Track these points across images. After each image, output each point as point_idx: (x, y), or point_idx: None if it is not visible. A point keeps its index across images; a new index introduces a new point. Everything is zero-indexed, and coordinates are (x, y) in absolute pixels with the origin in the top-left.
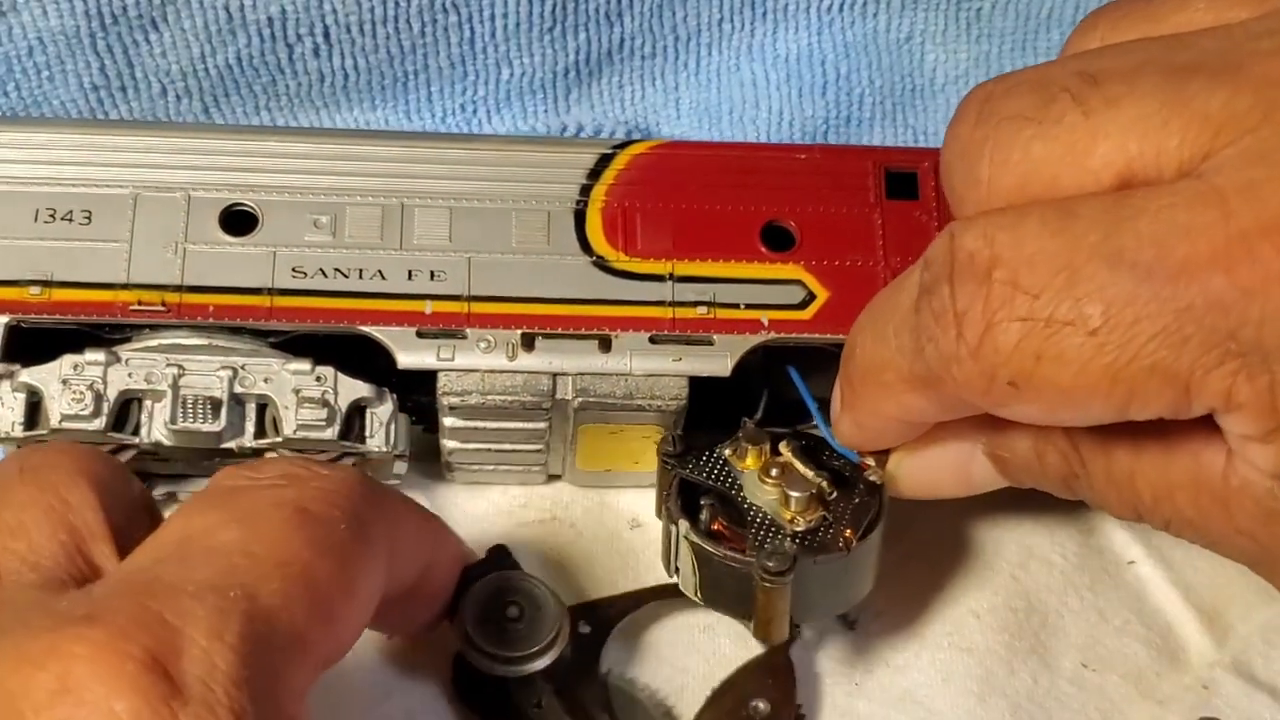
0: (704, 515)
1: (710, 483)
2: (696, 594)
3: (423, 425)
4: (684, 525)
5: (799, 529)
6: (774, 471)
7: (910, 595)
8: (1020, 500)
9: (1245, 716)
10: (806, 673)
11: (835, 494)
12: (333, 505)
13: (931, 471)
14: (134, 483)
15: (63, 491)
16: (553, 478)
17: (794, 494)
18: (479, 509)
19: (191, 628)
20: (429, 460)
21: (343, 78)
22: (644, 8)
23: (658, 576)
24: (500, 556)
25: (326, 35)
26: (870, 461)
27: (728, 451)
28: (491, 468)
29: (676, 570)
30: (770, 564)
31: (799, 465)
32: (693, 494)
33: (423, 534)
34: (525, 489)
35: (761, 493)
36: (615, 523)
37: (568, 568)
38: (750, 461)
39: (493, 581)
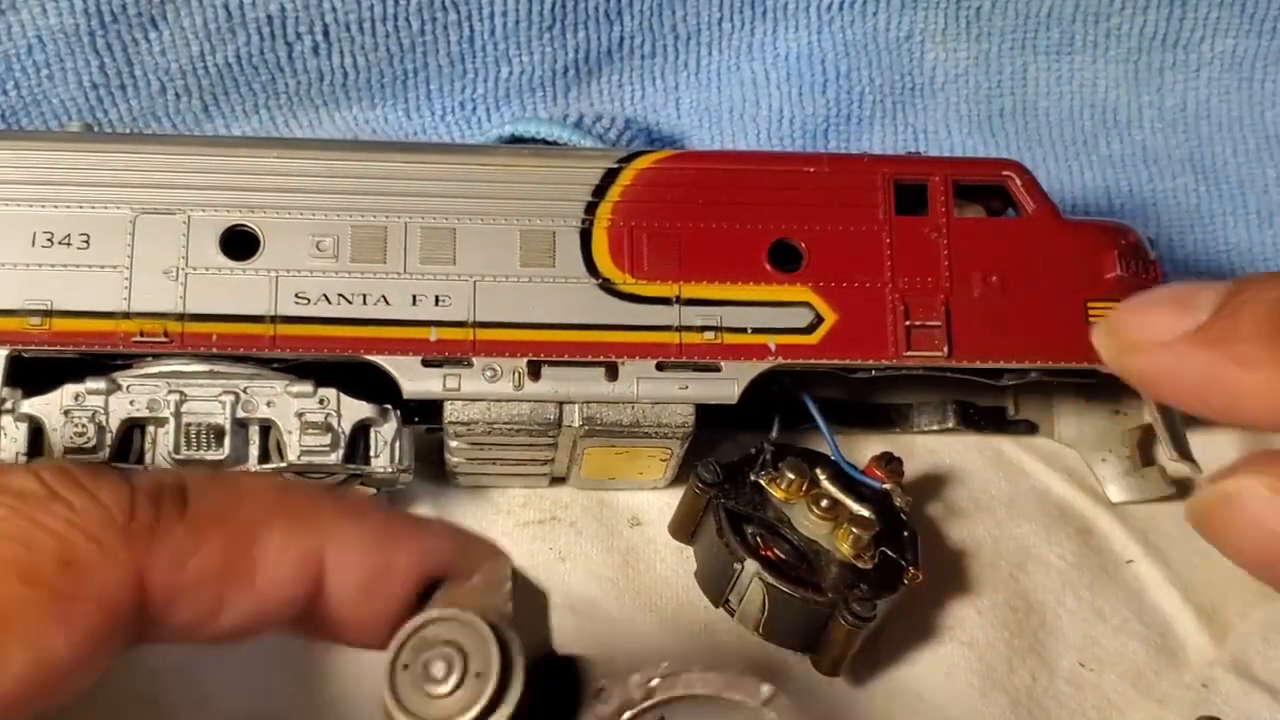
0: (752, 543)
1: (756, 513)
2: (758, 629)
3: (427, 426)
4: (754, 565)
5: (865, 567)
6: (824, 504)
7: (912, 591)
8: (1019, 501)
9: (1244, 715)
10: (809, 668)
11: (880, 527)
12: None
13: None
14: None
15: None
16: (556, 480)
17: (858, 532)
18: (479, 508)
19: None
20: (430, 461)
21: (342, 76)
22: (643, 7)
23: (658, 574)
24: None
25: (326, 33)
26: (895, 487)
27: (764, 480)
28: (496, 475)
29: (728, 602)
30: (859, 609)
31: (849, 502)
32: (733, 520)
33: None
34: (526, 490)
35: (814, 525)
36: (615, 521)
37: (568, 566)
38: (788, 490)
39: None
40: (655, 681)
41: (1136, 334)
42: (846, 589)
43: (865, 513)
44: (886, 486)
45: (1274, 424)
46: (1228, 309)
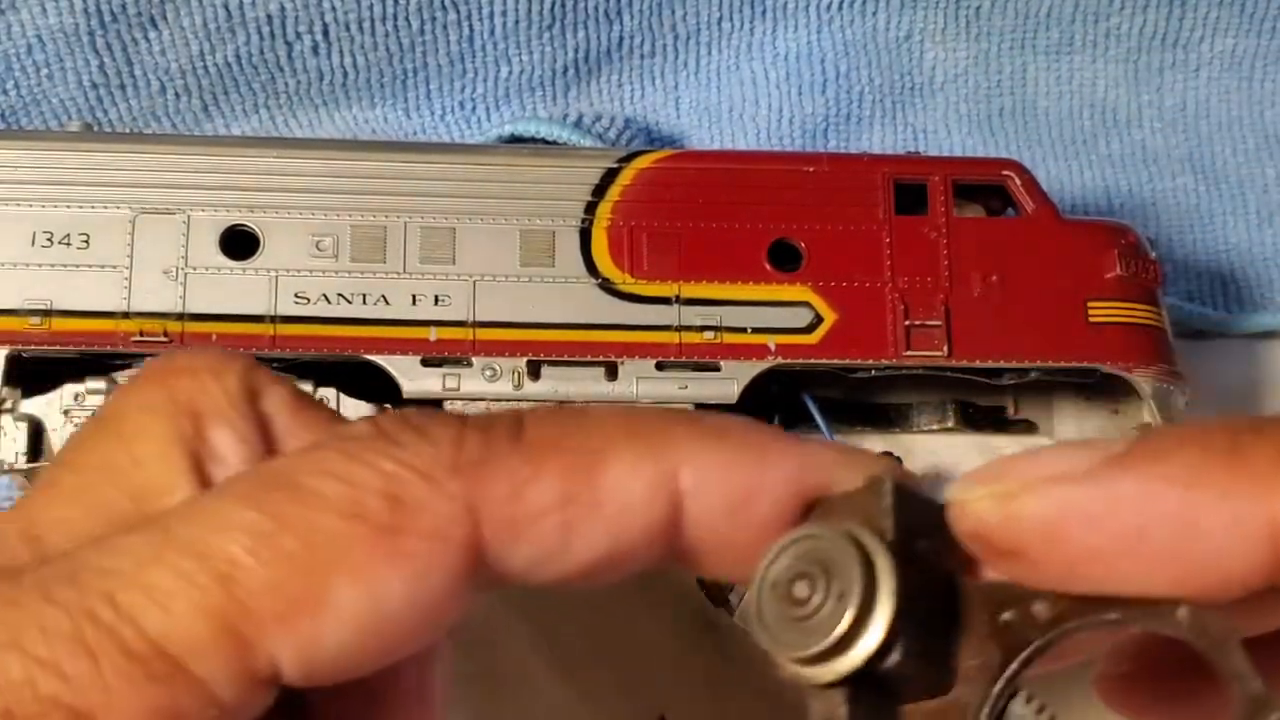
0: None
1: None
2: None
3: None
4: None
5: None
6: None
7: None
8: None
9: None
10: None
11: None
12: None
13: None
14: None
15: None
16: None
17: None
18: None
19: None
20: None
21: (342, 75)
22: (643, 6)
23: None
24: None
25: (325, 33)
26: None
27: None
28: None
29: (728, 602)
30: None
31: None
32: None
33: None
34: None
35: None
36: None
37: None
38: None
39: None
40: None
41: (1027, 473)
42: None
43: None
44: None
45: (1250, 578)
46: (1155, 437)
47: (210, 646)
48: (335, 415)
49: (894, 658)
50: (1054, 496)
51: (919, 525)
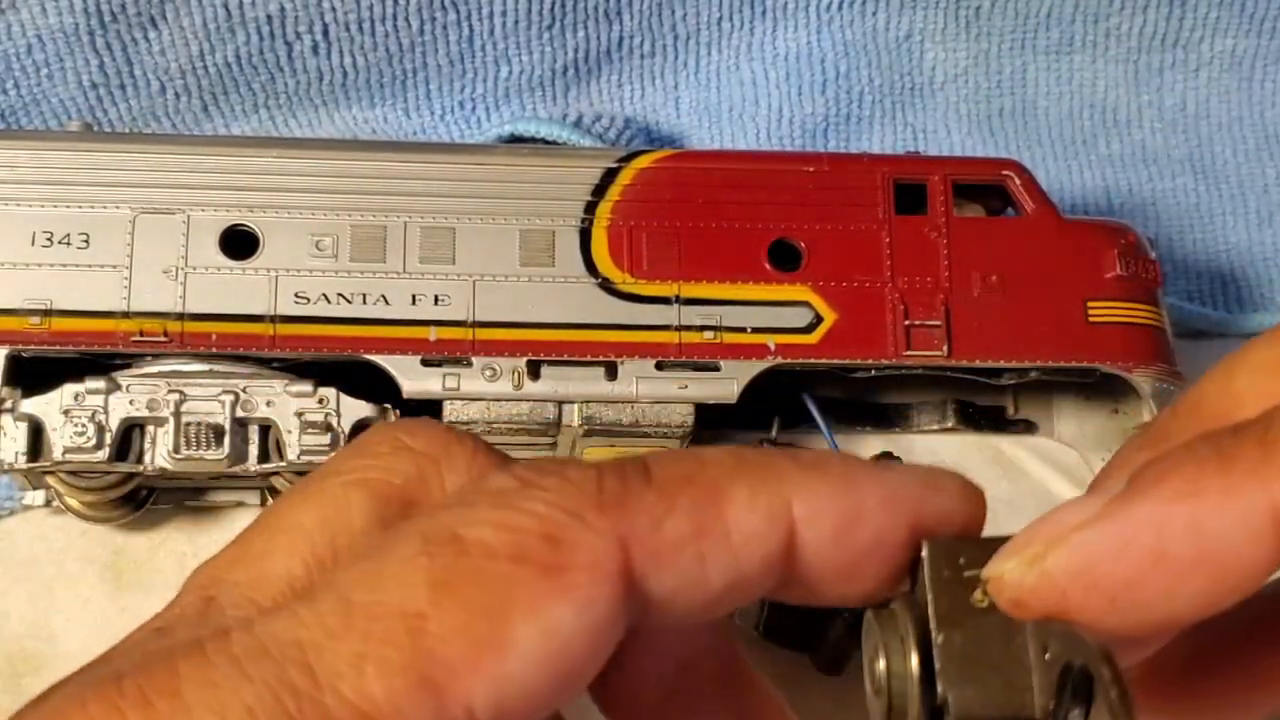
0: None
1: None
2: (758, 628)
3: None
4: None
5: None
6: None
7: None
8: (1019, 500)
9: None
10: (809, 668)
11: None
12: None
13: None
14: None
15: None
16: None
17: None
18: None
19: None
20: None
21: (341, 76)
22: (643, 6)
23: None
24: None
25: (325, 33)
26: None
27: None
28: None
29: None
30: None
31: None
32: None
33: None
34: None
35: None
36: None
37: None
38: None
39: None
40: None
41: (1046, 534)
42: None
43: None
44: None
45: (1269, 563)
46: (1148, 467)
47: (408, 699)
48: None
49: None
50: (1076, 544)
51: (968, 574)
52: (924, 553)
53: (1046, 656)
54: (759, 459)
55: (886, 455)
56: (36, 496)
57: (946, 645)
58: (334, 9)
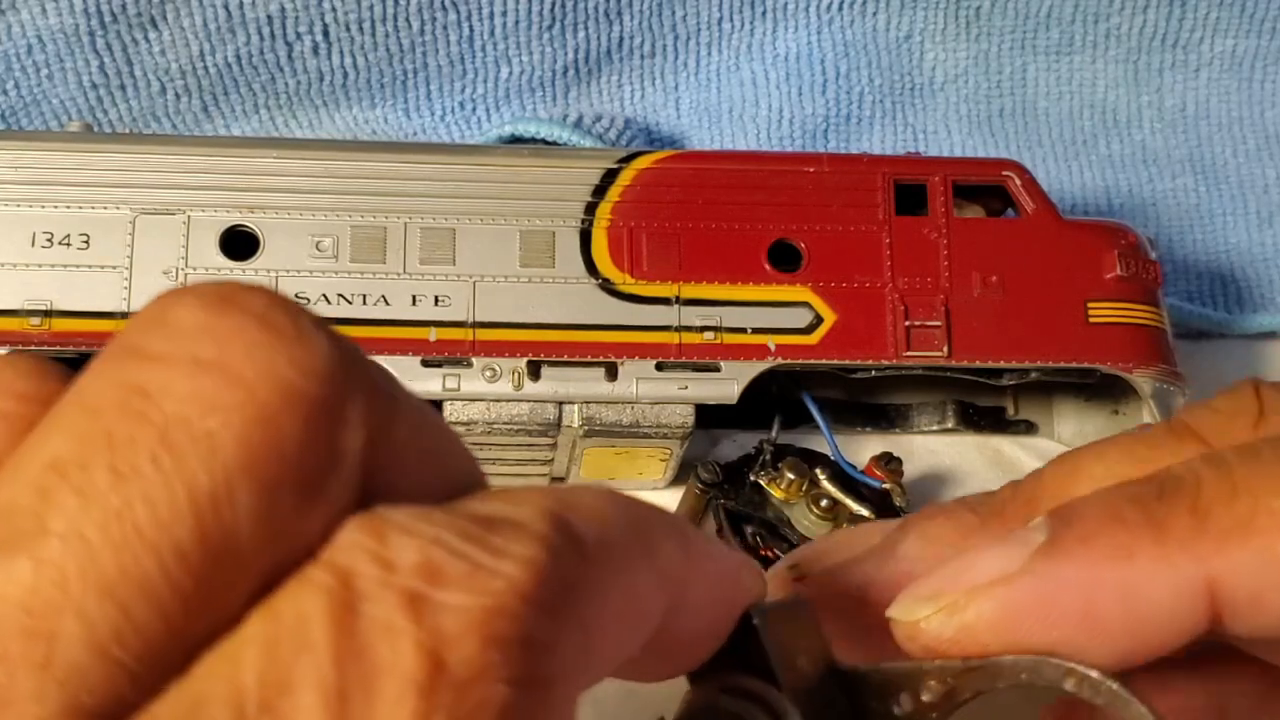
0: (751, 543)
1: (756, 513)
2: None
3: None
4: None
5: None
6: (824, 503)
7: None
8: None
9: None
10: None
11: None
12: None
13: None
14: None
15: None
16: (555, 481)
17: None
18: None
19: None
20: None
21: (342, 76)
22: (643, 6)
23: None
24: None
25: (326, 33)
26: (895, 487)
27: (764, 480)
28: (495, 476)
29: None
30: None
31: (849, 502)
32: (733, 520)
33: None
34: None
35: (813, 525)
36: None
37: None
38: (788, 490)
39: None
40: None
41: (964, 581)
42: None
43: (864, 512)
44: (886, 486)
45: (1194, 631)
46: (1069, 519)
47: None
48: None
49: None
50: (1000, 599)
51: (790, 647)
52: (755, 621)
53: (898, 712)
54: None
55: (886, 456)
56: None
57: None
58: (334, 9)
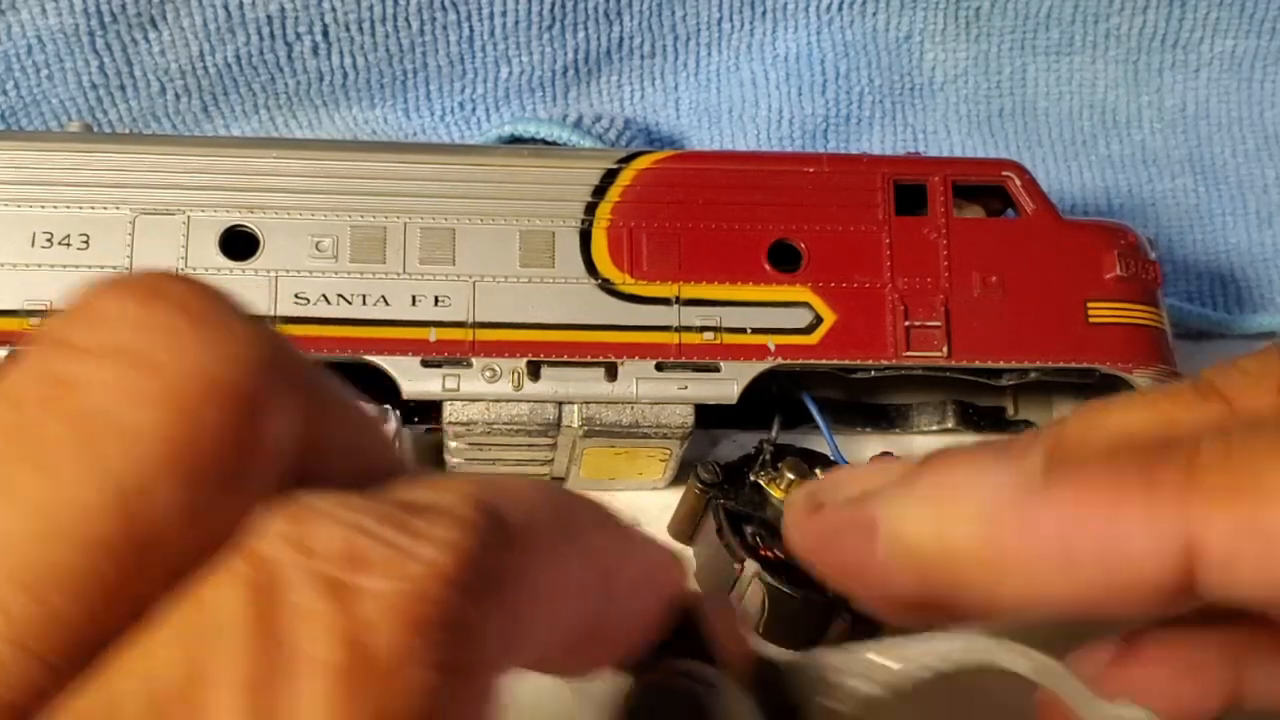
0: (751, 543)
1: (755, 513)
2: (758, 629)
3: (426, 427)
4: (754, 565)
5: None
6: None
7: None
8: None
9: None
10: None
11: None
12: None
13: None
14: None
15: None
16: (555, 480)
17: None
18: None
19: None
20: (430, 459)
21: (341, 76)
22: (643, 7)
23: None
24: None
25: (325, 34)
26: None
27: (763, 480)
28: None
29: None
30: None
31: None
32: (732, 520)
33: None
34: None
35: None
36: None
37: None
38: (788, 490)
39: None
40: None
41: (956, 495)
42: None
43: None
44: None
45: (1164, 588)
46: (1069, 463)
47: None
48: None
49: None
50: (985, 521)
51: (726, 638)
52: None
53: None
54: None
55: (886, 455)
56: None
57: None
58: (334, 10)
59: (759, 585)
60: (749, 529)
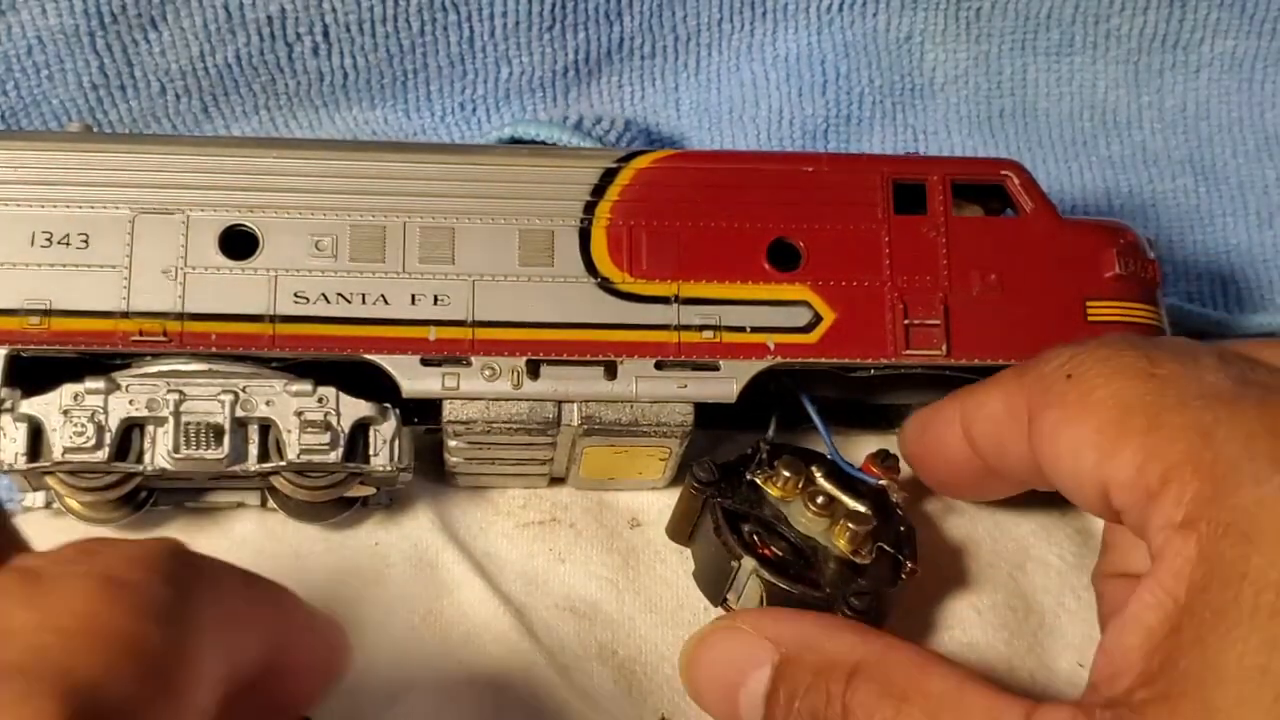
0: (749, 540)
1: (753, 511)
2: None
3: (426, 427)
4: (751, 562)
5: (863, 563)
6: (820, 500)
7: (913, 589)
8: (1018, 500)
9: None
10: None
11: (875, 522)
12: (143, 569)
13: None
14: None
15: None
16: (555, 480)
17: (855, 527)
18: (479, 509)
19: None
20: (429, 459)
21: (342, 77)
22: (644, 7)
23: (658, 575)
24: None
25: (326, 34)
26: (892, 483)
27: (760, 478)
28: (495, 475)
29: (724, 601)
30: (856, 603)
31: (845, 498)
32: (730, 519)
33: (259, 605)
34: (526, 490)
35: (810, 522)
36: (614, 522)
37: (568, 568)
38: (784, 489)
39: None
40: None
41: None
42: (844, 584)
43: (861, 508)
44: (883, 483)
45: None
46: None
47: None
48: None
49: None
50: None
51: None
52: None
53: None
54: None
55: (883, 453)
56: (37, 499)
57: None
58: (334, 10)
59: (757, 582)
60: (746, 527)
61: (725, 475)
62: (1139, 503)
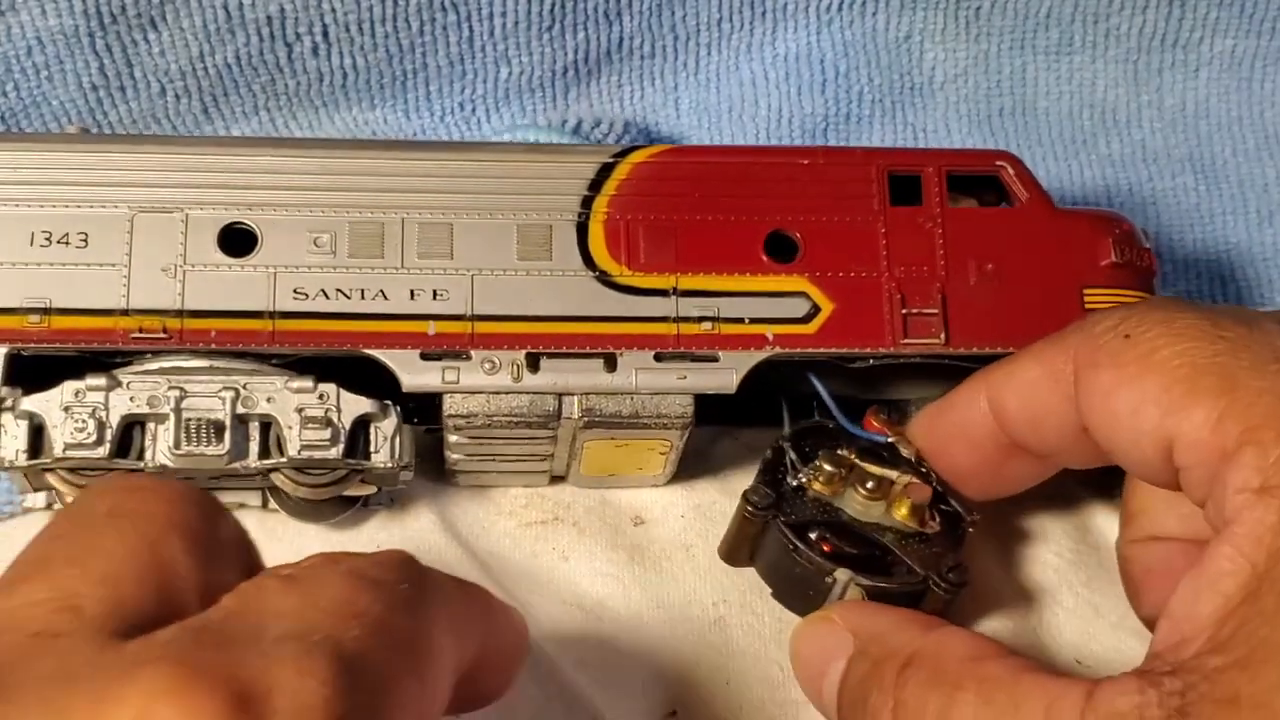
0: (825, 550)
1: (813, 518)
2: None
3: (426, 427)
4: (846, 573)
5: (932, 531)
6: (869, 485)
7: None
8: (1017, 497)
9: None
10: None
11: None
12: (386, 570)
13: None
14: (227, 522)
15: (159, 547)
16: (556, 479)
17: (914, 499)
18: (481, 509)
19: (278, 666)
20: (430, 460)
21: (341, 77)
22: (643, 7)
23: (664, 571)
24: None
25: (325, 34)
26: (900, 438)
27: (803, 479)
28: (495, 474)
29: None
30: (953, 576)
31: (889, 473)
32: (797, 532)
33: (473, 606)
34: (527, 490)
35: (865, 508)
36: (617, 520)
37: (571, 566)
38: (830, 484)
39: None
40: None
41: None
42: (930, 562)
43: (909, 478)
44: (891, 438)
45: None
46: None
47: None
48: None
49: None
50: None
51: None
52: None
53: None
54: None
55: (884, 405)
56: (37, 499)
57: None
58: (334, 10)
59: (857, 590)
60: (813, 535)
61: (769, 485)
62: (1208, 461)
